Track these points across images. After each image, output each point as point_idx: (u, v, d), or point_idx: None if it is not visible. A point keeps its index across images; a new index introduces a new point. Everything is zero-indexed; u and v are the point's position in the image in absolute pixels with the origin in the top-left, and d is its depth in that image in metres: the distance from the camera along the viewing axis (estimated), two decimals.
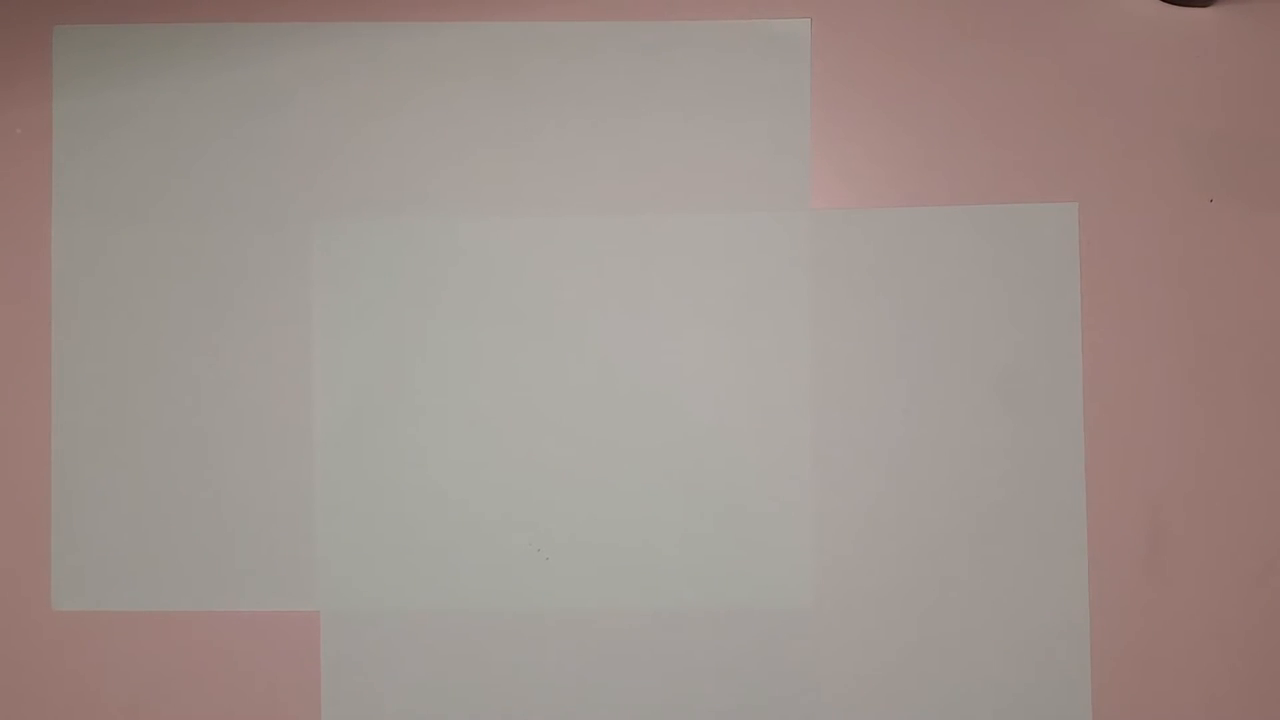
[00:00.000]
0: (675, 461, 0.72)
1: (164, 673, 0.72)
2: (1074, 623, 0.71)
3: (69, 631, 0.73)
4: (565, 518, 0.72)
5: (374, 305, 0.73)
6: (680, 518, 0.72)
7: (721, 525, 0.72)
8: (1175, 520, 0.71)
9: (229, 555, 0.72)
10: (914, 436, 0.72)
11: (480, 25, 0.74)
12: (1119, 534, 0.71)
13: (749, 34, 0.73)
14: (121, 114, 0.74)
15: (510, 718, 0.72)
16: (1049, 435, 0.71)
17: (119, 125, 0.73)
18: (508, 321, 0.73)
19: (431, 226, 0.73)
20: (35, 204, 0.73)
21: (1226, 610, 0.71)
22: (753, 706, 0.71)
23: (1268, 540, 0.71)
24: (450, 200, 0.73)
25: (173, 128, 0.73)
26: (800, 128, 0.73)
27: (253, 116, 0.73)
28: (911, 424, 0.72)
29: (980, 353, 0.72)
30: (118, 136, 0.73)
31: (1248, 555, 0.71)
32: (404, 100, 0.73)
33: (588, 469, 0.72)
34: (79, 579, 0.73)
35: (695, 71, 0.73)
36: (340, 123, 0.73)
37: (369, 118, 0.73)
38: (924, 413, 0.72)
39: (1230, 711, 0.71)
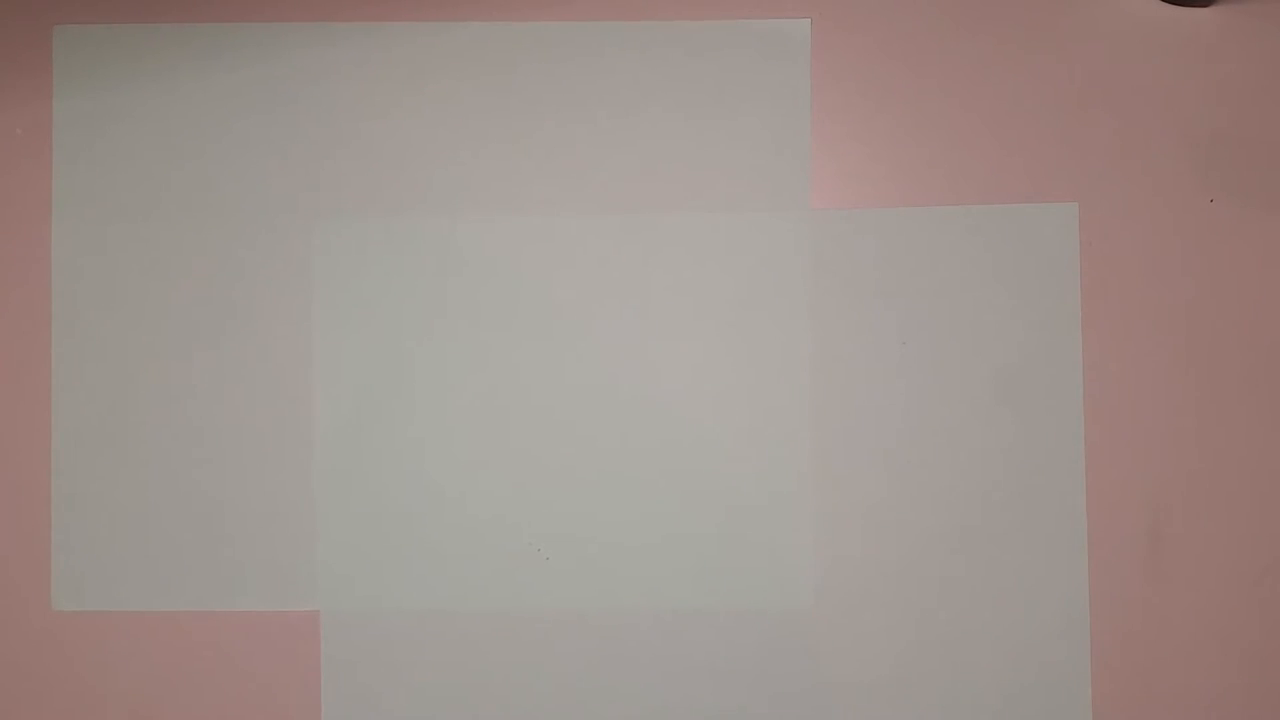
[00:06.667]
0: (675, 461, 0.72)
1: (164, 673, 0.72)
2: (1074, 623, 0.71)
3: (69, 631, 0.72)
4: (565, 518, 0.72)
5: (374, 305, 0.73)
6: (680, 518, 0.72)
7: (721, 525, 0.72)
8: (1175, 520, 0.71)
9: (229, 555, 0.72)
10: (914, 436, 0.72)
11: (480, 25, 0.74)
12: (1119, 534, 0.71)
13: (749, 34, 0.73)
14: (121, 114, 0.74)
15: (510, 718, 0.72)
16: (1049, 435, 0.71)
17: (119, 125, 0.73)
18: (507, 321, 0.73)
19: (431, 226, 0.73)
20: (35, 204, 0.73)
21: (1226, 610, 0.71)
22: (753, 706, 0.71)
23: (1267, 540, 0.71)
24: (450, 200, 0.73)
25: (173, 128, 0.73)
26: (800, 128, 0.73)
27: (253, 116, 0.73)
28: (911, 424, 0.72)
29: (980, 353, 0.72)
30: (118, 136, 0.73)
31: (1247, 555, 0.71)
32: (404, 100, 0.73)
33: (588, 468, 0.72)
34: (79, 579, 0.72)
35: (695, 71, 0.73)
36: (340, 123, 0.73)
37: (369, 118, 0.73)
38: (924, 412, 0.72)
39: (1230, 711, 0.71)
